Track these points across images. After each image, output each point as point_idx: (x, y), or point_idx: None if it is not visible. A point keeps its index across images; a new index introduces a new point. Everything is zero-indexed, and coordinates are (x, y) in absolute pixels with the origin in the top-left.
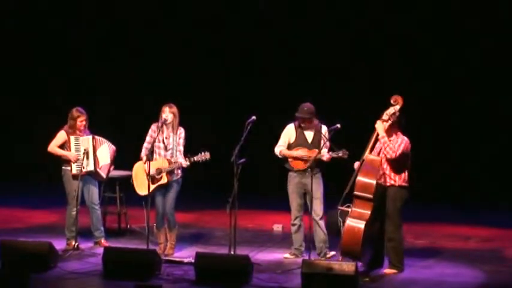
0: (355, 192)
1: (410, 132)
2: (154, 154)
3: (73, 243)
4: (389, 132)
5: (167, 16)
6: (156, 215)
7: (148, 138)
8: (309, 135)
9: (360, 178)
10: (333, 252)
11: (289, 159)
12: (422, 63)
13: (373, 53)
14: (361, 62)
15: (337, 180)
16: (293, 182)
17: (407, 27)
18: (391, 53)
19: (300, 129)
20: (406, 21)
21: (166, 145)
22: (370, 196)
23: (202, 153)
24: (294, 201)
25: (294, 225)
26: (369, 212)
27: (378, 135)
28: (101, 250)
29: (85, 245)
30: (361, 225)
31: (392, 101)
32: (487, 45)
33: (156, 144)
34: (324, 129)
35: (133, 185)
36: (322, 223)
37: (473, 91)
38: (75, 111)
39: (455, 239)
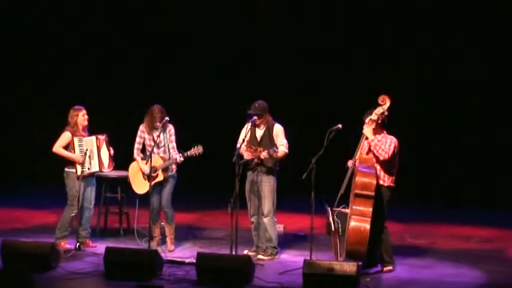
0: (357, 191)
1: (411, 132)
2: (149, 150)
3: (62, 243)
4: (376, 132)
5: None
6: (151, 211)
7: (138, 139)
8: (259, 133)
9: (360, 178)
10: (261, 257)
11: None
12: (418, 61)
13: (369, 53)
14: (358, 60)
15: (331, 180)
16: (247, 181)
17: (404, 26)
18: (387, 52)
19: (252, 127)
20: (405, 19)
21: (158, 143)
22: (372, 194)
23: (195, 147)
24: (248, 200)
25: (252, 223)
26: (371, 210)
27: (366, 138)
28: (102, 250)
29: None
30: (366, 224)
31: (380, 101)
32: (486, 45)
33: (147, 143)
34: (277, 127)
35: (131, 185)
36: (265, 221)
37: (474, 91)
38: (73, 110)
39: (456, 239)
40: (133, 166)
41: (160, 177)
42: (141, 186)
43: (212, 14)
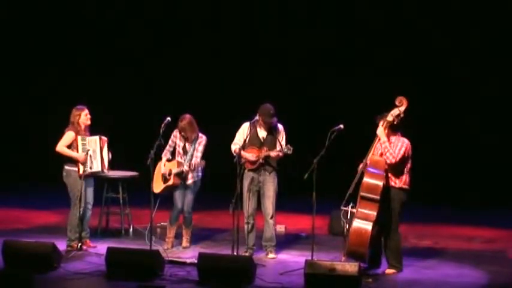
0: (362, 193)
1: (412, 133)
2: (177, 157)
3: (75, 245)
4: (390, 133)
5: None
6: (173, 211)
7: (170, 142)
8: (262, 133)
9: (367, 179)
10: (272, 255)
11: (242, 159)
12: (423, 62)
13: (375, 53)
14: (364, 61)
15: (340, 180)
16: (247, 180)
17: (411, 27)
18: (393, 53)
19: (253, 128)
20: (409, 20)
21: (187, 150)
22: (377, 197)
23: (201, 160)
24: (247, 199)
25: (247, 224)
26: (375, 213)
27: (379, 139)
28: (103, 250)
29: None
30: (368, 226)
31: (397, 102)
32: (490, 42)
33: (177, 149)
34: (281, 127)
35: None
36: (271, 222)
37: (475, 91)
38: (76, 109)
39: (459, 240)
40: (158, 165)
41: (171, 182)
42: (156, 186)
43: (213, 15)
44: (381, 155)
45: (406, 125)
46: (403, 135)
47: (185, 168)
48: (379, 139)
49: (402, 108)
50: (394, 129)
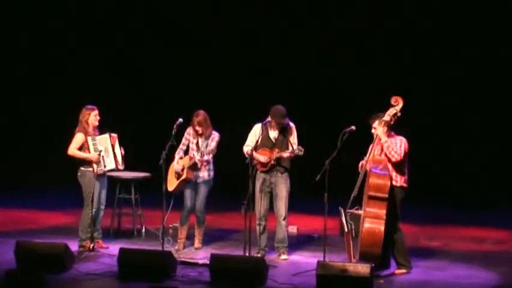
0: (370, 193)
1: (420, 134)
2: (190, 154)
3: (88, 244)
4: (387, 133)
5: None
6: (183, 210)
7: (183, 140)
8: (273, 134)
9: (374, 180)
10: (284, 256)
11: (254, 160)
12: (422, 62)
13: (375, 53)
14: (364, 61)
15: (344, 182)
16: (259, 181)
17: (409, 25)
18: (393, 53)
19: (265, 129)
20: (409, 20)
21: (200, 147)
22: (386, 196)
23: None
24: (259, 200)
25: (259, 225)
26: (385, 211)
27: (379, 139)
28: (115, 251)
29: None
30: (381, 226)
31: (392, 102)
32: (488, 43)
33: (191, 146)
34: (292, 126)
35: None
36: (284, 223)
37: (475, 91)
38: (86, 109)
39: (469, 241)
40: (172, 164)
41: (184, 176)
42: (170, 184)
43: (213, 15)
44: (380, 154)
45: (402, 124)
46: (397, 134)
47: (197, 158)
48: (379, 139)
49: (398, 108)
50: (389, 128)
